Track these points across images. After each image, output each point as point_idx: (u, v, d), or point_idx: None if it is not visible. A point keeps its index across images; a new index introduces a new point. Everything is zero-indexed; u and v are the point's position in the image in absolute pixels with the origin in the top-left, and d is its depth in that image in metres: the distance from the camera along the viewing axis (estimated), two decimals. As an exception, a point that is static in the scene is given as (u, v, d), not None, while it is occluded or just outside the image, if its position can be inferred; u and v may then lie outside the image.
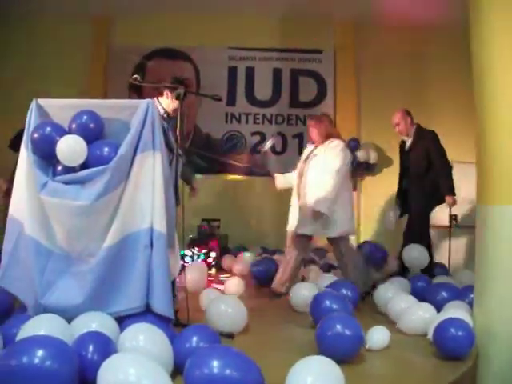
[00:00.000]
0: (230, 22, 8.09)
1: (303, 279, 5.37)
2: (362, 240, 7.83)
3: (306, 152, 5.25)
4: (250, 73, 8.29)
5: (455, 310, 3.56)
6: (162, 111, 3.98)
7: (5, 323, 2.94)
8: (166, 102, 4.10)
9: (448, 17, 7.48)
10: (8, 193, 6.61)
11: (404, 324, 3.70)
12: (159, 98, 4.12)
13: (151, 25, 8.12)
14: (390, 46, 8.18)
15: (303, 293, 4.34)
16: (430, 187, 5.57)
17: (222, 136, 8.14)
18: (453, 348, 3.10)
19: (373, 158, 7.82)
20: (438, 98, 8.07)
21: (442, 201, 5.58)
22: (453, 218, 7.76)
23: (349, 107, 8.20)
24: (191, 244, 6.69)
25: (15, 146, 5.76)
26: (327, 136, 5.03)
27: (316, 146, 5.10)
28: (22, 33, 8.31)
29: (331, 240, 5.04)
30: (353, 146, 7.70)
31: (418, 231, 5.62)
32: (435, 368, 3.03)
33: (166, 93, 4.07)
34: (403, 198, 5.99)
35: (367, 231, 8.03)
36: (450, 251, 7.37)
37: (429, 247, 5.59)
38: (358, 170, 7.92)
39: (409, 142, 5.89)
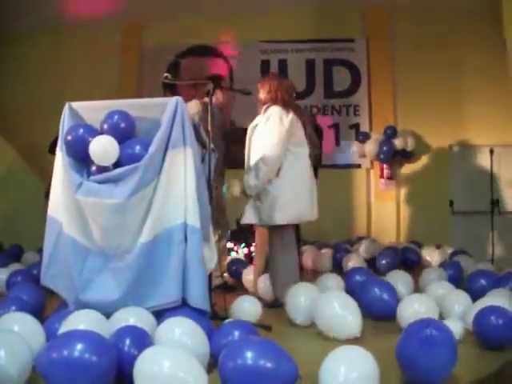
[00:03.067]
0: (261, 16, 8.11)
1: None
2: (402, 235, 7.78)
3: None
4: (282, 65, 8.30)
5: (495, 298, 3.48)
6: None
7: (48, 319, 3.04)
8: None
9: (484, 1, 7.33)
10: (48, 195, 6.86)
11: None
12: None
13: (182, 24, 8.23)
14: (423, 32, 8.09)
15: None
16: None
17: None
18: (493, 337, 3.04)
19: (410, 145, 7.73)
20: (475, 82, 7.95)
21: None
22: (495, 203, 7.62)
23: (384, 95, 8.14)
24: (231, 238, 6.71)
25: (52, 150, 5.96)
26: (265, 101, 4.31)
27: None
28: (54, 38, 8.51)
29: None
30: (390, 133, 7.63)
31: None
32: (475, 358, 2.97)
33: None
34: None
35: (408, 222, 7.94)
36: (492, 238, 7.25)
37: None
38: (396, 158, 7.86)
39: None
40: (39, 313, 3.50)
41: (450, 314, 3.51)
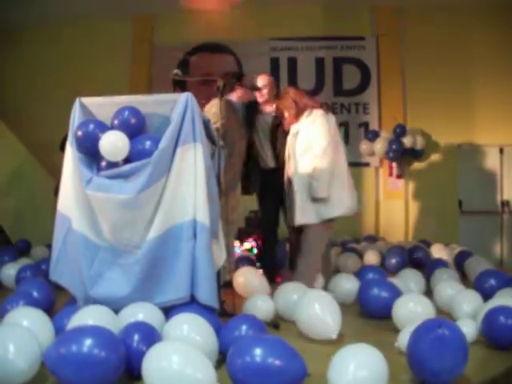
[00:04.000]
0: (271, 13, 8.11)
1: None
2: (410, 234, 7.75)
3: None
4: (292, 63, 8.29)
5: (505, 299, 3.45)
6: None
7: (56, 314, 3.05)
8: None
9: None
10: (57, 191, 6.89)
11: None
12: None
13: (192, 20, 8.21)
14: (433, 30, 8.06)
15: (344, 285, 4.25)
16: None
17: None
18: (502, 337, 3.02)
19: (420, 143, 7.70)
20: (485, 81, 7.93)
21: None
22: (505, 203, 7.60)
23: (393, 93, 8.12)
24: (239, 235, 6.69)
25: (63, 147, 5.98)
26: (300, 109, 4.47)
27: (291, 123, 4.55)
28: (64, 34, 8.53)
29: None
30: (399, 132, 7.61)
31: None
32: (484, 358, 2.95)
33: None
34: None
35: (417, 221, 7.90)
36: (502, 238, 7.22)
37: None
38: (405, 157, 7.84)
39: None
40: (48, 308, 3.51)
41: (459, 314, 3.49)
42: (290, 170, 4.55)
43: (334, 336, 3.10)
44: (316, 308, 3.19)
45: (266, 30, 8.24)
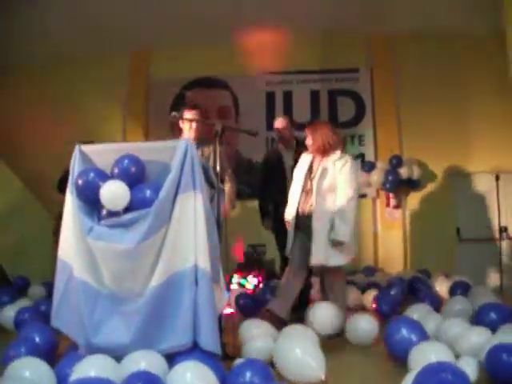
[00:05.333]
0: (266, 48, 8.21)
1: None
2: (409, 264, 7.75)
3: (305, 164, 4.74)
4: (287, 97, 8.37)
5: (507, 335, 3.42)
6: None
7: (58, 363, 3.03)
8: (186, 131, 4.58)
9: (487, 27, 7.41)
10: (56, 232, 6.91)
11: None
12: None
13: (188, 56, 8.32)
14: (427, 61, 8.16)
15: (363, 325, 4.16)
16: None
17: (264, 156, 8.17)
18: (506, 375, 3.00)
19: (416, 173, 7.74)
20: (479, 109, 8.00)
21: None
22: (503, 229, 7.60)
23: (389, 124, 8.18)
24: (238, 270, 6.68)
25: (61, 188, 6.03)
26: (330, 147, 4.58)
27: (315, 157, 4.69)
28: (62, 71, 8.62)
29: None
30: (395, 163, 7.65)
31: None
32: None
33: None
34: None
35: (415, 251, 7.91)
36: (501, 266, 7.21)
37: None
38: (402, 187, 7.87)
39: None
40: (50, 352, 3.51)
41: (464, 351, 3.45)
42: (306, 204, 4.60)
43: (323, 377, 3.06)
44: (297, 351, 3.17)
45: (261, 65, 8.33)
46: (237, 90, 8.42)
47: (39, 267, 7.23)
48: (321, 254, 4.44)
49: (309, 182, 4.61)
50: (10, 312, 4.86)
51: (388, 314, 4.97)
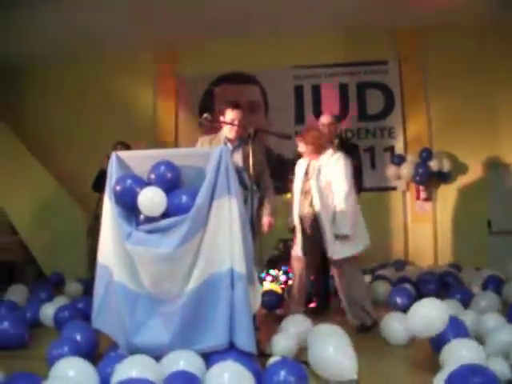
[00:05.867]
0: (294, 41, 8.21)
1: None
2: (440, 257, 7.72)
3: (301, 167, 4.91)
4: (316, 90, 8.36)
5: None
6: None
7: (100, 362, 3.15)
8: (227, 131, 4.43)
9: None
10: (90, 230, 7.07)
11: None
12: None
13: (215, 52, 8.35)
14: (455, 52, 8.06)
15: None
16: None
17: (293, 155, 8.18)
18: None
19: (446, 166, 7.69)
20: (510, 99, 7.86)
21: None
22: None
23: (418, 116, 8.12)
24: (270, 265, 6.74)
25: (96, 187, 6.17)
26: (320, 145, 4.78)
27: (310, 160, 4.84)
28: (92, 70, 8.77)
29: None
30: (425, 156, 7.61)
31: None
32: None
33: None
34: None
35: (446, 244, 7.87)
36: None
37: None
38: (433, 180, 7.83)
39: None
40: (92, 352, 3.63)
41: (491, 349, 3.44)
42: (305, 205, 4.76)
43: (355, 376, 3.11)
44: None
45: (289, 58, 8.33)
46: (265, 85, 8.43)
47: (73, 264, 7.41)
48: (329, 249, 4.61)
49: (306, 184, 4.79)
50: (49, 309, 4.99)
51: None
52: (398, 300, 5.12)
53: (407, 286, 5.72)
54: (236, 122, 4.38)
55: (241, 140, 4.47)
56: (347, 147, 5.48)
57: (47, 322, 4.96)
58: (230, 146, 4.38)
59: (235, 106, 4.50)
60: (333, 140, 5.41)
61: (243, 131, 4.38)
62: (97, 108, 8.69)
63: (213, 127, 4.59)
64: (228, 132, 4.45)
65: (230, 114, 4.43)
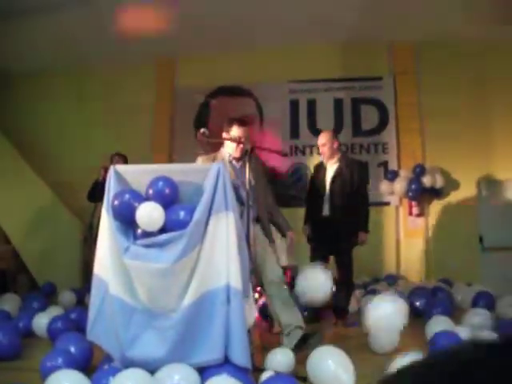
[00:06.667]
0: (290, 56, 8.30)
1: None
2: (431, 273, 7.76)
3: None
4: (311, 105, 8.43)
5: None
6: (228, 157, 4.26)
7: (95, 375, 3.16)
8: (232, 148, 4.24)
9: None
10: (85, 240, 7.08)
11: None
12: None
13: (213, 64, 8.43)
14: (450, 67, 8.14)
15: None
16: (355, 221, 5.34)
17: (287, 169, 8.28)
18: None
19: (439, 182, 7.76)
20: (503, 117, 7.99)
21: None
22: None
23: (412, 132, 8.19)
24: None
25: (91, 197, 6.22)
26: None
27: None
28: (90, 79, 8.82)
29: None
30: (418, 171, 7.68)
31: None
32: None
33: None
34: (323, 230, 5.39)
35: (438, 259, 7.91)
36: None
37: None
38: (425, 196, 7.89)
39: (334, 167, 5.42)
40: (86, 364, 3.65)
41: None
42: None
43: None
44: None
45: (285, 72, 8.41)
46: (261, 98, 8.50)
47: (66, 274, 7.40)
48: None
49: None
50: (42, 319, 4.98)
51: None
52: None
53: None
54: (242, 140, 4.17)
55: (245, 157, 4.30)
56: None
57: (40, 332, 4.94)
58: (235, 164, 4.27)
59: (242, 122, 4.30)
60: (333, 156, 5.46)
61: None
62: (93, 118, 8.72)
63: (209, 143, 4.49)
64: (233, 150, 4.22)
65: (236, 131, 4.21)
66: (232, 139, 4.16)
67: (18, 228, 7.74)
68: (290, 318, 4.04)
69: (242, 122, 4.34)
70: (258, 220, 4.25)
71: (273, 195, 4.56)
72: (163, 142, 8.59)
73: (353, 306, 5.78)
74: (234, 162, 4.29)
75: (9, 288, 7.27)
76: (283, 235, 4.51)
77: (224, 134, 4.28)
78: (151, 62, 8.69)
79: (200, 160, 4.26)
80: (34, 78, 8.94)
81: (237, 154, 4.24)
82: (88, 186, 6.36)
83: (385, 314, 4.09)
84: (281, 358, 3.64)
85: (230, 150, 4.27)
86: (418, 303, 5.77)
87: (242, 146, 4.19)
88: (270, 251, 4.22)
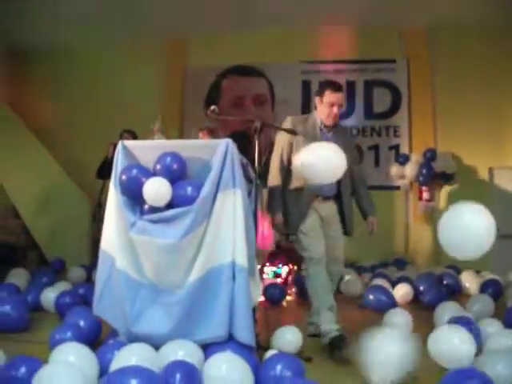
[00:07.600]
0: (303, 36, 8.22)
1: None
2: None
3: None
4: (323, 86, 8.34)
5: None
6: None
7: (100, 348, 3.18)
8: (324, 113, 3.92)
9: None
10: (94, 217, 7.09)
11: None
12: None
13: (224, 43, 8.40)
14: (464, 52, 8.05)
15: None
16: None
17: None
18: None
19: (450, 167, 7.69)
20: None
21: None
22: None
23: (424, 116, 8.13)
24: (270, 258, 6.76)
25: (100, 174, 6.22)
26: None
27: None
28: (102, 59, 8.80)
29: None
30: (430, 156, 7.62)
31: None
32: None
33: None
34: None
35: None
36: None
37: None
38: (436, 181, 7.83)
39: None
40: (94, 338, 3.70)
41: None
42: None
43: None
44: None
45: (297, 53, 8.35)
46: (273, 78, 8.44)
47: (75, 250, 7.45)
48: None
49: None
50: (50, 294, 5.02)
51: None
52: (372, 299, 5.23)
53: (405, 285, 5.79)
54: (336, 108, 3.84)
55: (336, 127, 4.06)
56: None
57: (48, 306, 4.98)
58: (325, 131, 3.99)
59: (338, 87, 3.90)
60: None
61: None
62: (104, 96, 8.72)
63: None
64: (325, 117, 3.90)
65: (330, 97, 3.85)
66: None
67: (29, 204, 7.80)
68: (331, 323, 3.86)
69: (338, 87, 3.92)
70: (338, 197, 4.05)
71: (362, 171, 4.28)
72: (174, 120, 8.56)
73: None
74: (324, 130, 4.00)
75: (18, 263, 7.34)
76: (364, 218, 4.19)
77: (317, 99, 3.99)
78: (163, 39, 8.64)
79: (290, 121, 4.03)
80: (46, 55, 8.95)
81: (329, 122, 3.93)
82: (98, 162, 6.35)
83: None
84: (290, 337, 3.63)
85: (322, 115, 3.94)
86: (424, 288, 5.73)
87: (335, 113, 3.88)
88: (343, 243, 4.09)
